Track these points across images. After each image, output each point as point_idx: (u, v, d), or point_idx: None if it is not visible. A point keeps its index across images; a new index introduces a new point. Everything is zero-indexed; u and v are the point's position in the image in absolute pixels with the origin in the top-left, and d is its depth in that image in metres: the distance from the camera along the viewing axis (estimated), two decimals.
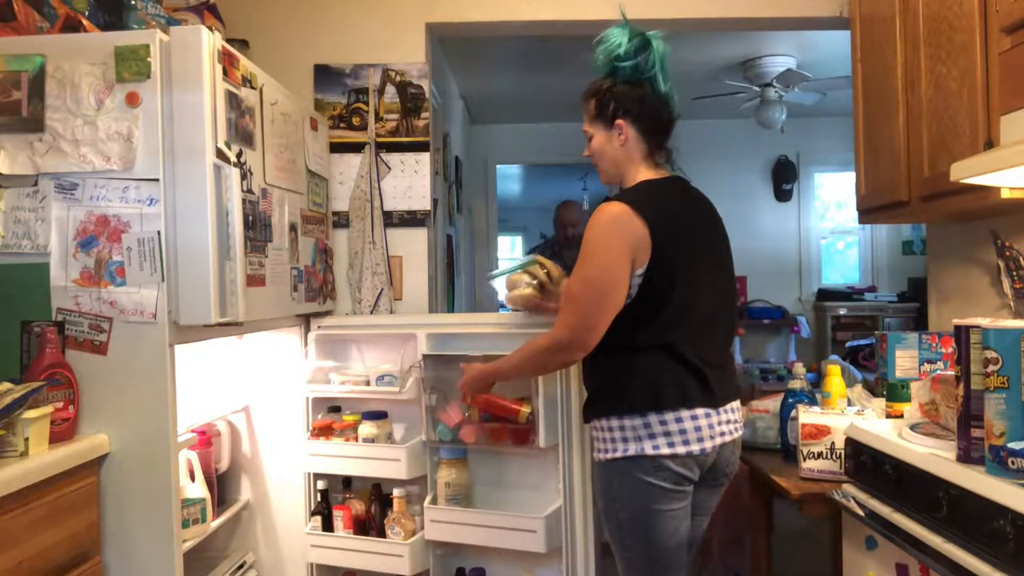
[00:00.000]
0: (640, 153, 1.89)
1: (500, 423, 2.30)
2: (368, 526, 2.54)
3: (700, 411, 1.77)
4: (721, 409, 1.82)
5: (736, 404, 1.90)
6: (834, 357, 4.13)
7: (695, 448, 1.76)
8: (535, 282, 2.22)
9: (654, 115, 1.88)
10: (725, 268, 1.95)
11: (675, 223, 1.81)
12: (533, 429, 2.26)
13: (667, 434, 1.75)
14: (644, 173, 1.89)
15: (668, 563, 1.82)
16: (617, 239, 1.75)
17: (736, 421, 1.88)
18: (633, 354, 1.79)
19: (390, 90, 2.86)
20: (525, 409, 2.23)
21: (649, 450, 1.75)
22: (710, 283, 1.85)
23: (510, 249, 10.86)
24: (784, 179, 6.46)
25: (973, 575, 1.30)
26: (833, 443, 1.97)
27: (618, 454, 1.78)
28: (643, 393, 1.76)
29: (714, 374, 1.81)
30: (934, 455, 1.50)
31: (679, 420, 1.75)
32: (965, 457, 1.42)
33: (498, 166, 6.68)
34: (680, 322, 1.78)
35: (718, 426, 1.80)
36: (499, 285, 2.32)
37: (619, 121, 1.87)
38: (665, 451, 1.75)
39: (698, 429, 1.76)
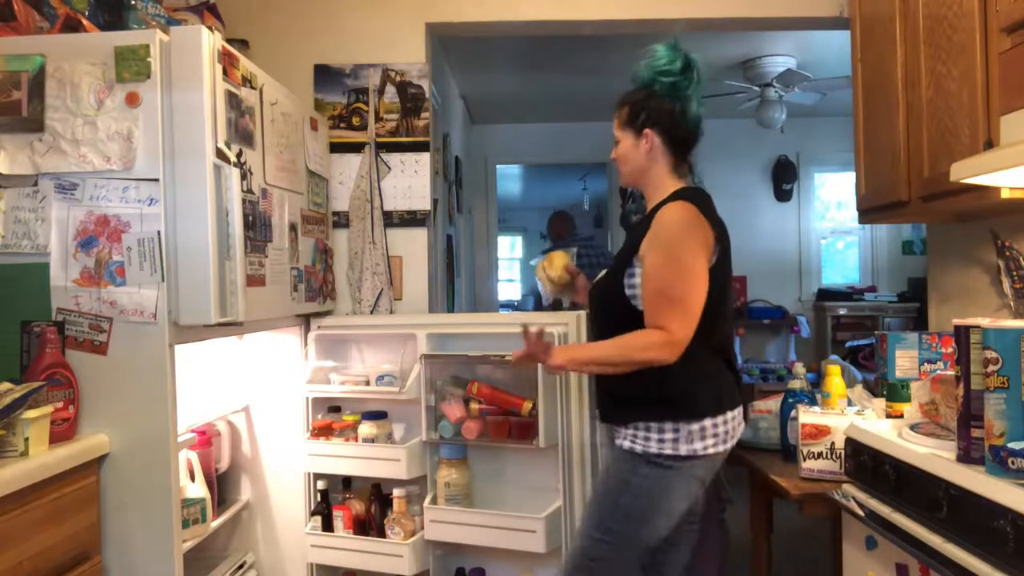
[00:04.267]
0: (666, 163, 1.95)
1: (503, 417, 2.31)
2: (368, 526, 2.54)
3: (738, 411, 1.89)
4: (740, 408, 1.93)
5: None
6: (834, 357, 4.13)
7: (730, 444, 1.87)
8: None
9: (683, 130, 1.94)
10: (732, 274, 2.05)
11: (722, 230, 1.90)
12: (535, 424, 2.27)
13: (716, 435, 1.83)
14: (672, 182, 1.95)
15: (636, 560, 1.87)
16: (699, 240, 1.82)
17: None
18: (693, 358, 1.81)
19: (390, 90, 2.86)
20: (528, 403, 2.24)
21: (701, 450, 1.81)
22: (731, 289, 1.99)
23: (510, 249, 10.87)
24: (784, 179, 6.46)
25: (973, 575, 1.31)
26: (833, 443, 1.97)
27: (667, 451, 1.81)
28: (706, 398, 1.84)
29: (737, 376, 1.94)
30: (934, 455, 1.50)
31: (726, 421, 1.85)
32: (965, 457, 1.42)
33: (498, 166, 6.68)
34: (725, 326, 1.89)
35: (739, 425, 1.91)
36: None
37: (647, 131, 1.94)
38: (712, 451, 1.82)
39: (736, 428, 1.89)
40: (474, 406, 2.38)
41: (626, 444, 1.85)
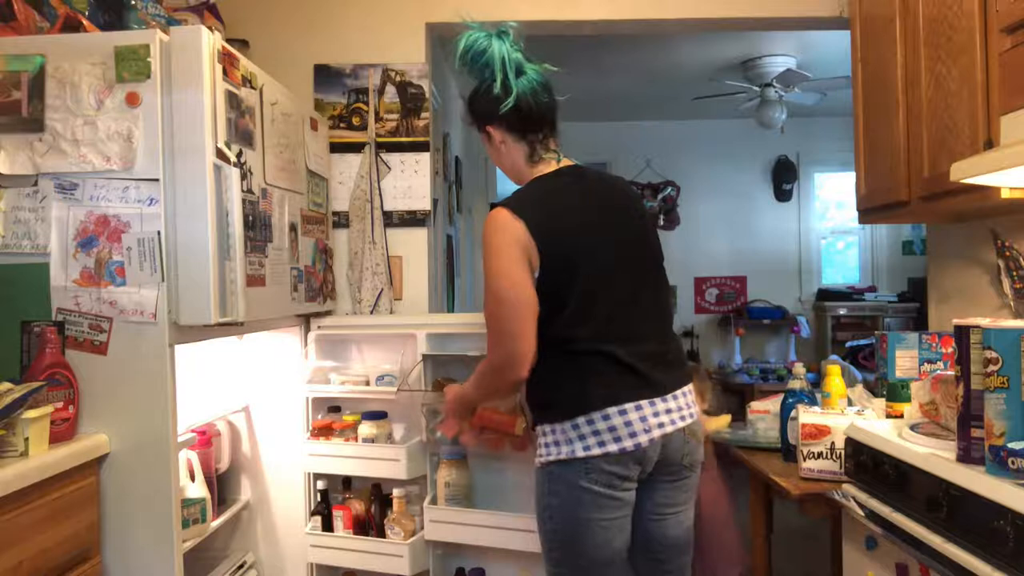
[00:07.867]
0: (522, 151, 1.85)
1: (498, 435, 2.29)
2: (368, 526, 2.54)
3: (629, 406, 1.68)
4: (661, 399, 1.73)
5: (686, 389, 1.79)
6: (834, 357, 4.14)
7: (628, 444, 1.67)
8: None
9: (513, 112, 1.80)
10: (639, 248, 1.85)
11: (559, 216, 1.75)
12: (531, 437, 2.25)
13: (596, 433, 1.68)
14: (535, 170, 1.85)
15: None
16: (506, 244, 1.71)
17: (684, 408, 1.77)
18: (557, 358, 1.74)
19: (390, 90, 2.86)
20: (521, 422, 2.20)
21: (580, 452, 1.68)
22: (624, 268, 1.79)
23: None
24: (784, 179, 6.47)
25: (973, 575, 1.31)
26: (833, 443, 1.97)
27: (551, 458, 1.72)
28: (570, 397, 1.71)
29: (647, 364, 1.73)
30: (934, 455, 1.50)
31: (606, 418, 1.68)
32: (965, 457, 1.41)
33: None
34: (593, 320, 1.73)
35: (654, 418, 1.70)
36: None
37: (487, 127, 1.85)
38: (596, 451, 1.67)
39: (628, 424, 1.67)
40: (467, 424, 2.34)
41: (536, 461, 1.78)
